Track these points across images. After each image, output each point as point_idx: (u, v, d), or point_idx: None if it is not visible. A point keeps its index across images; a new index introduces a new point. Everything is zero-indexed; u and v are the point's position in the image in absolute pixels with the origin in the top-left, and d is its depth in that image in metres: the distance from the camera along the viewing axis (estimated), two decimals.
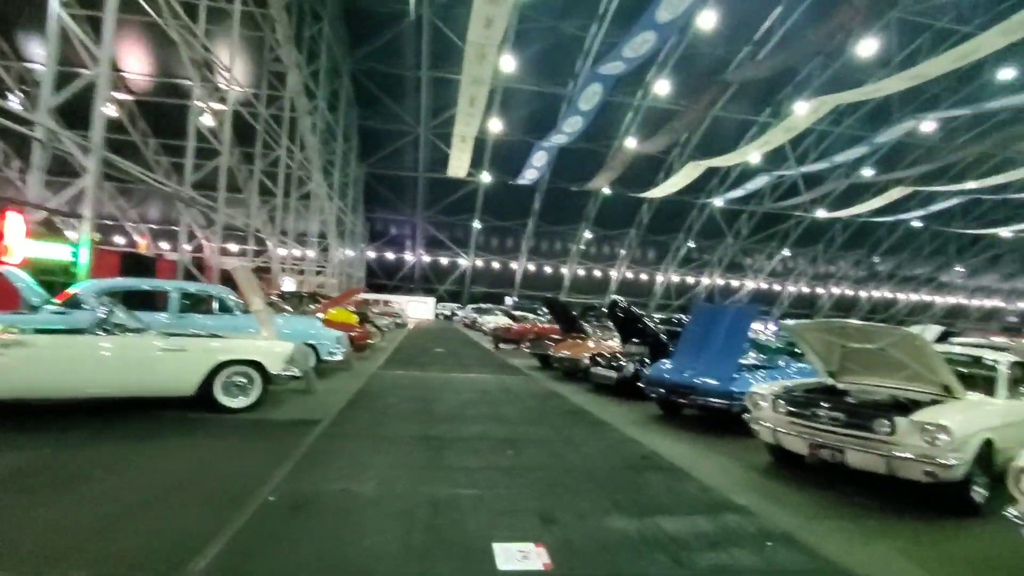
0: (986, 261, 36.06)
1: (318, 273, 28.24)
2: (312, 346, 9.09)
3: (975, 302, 37.04)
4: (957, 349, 5.79)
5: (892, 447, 4.07)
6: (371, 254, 40.70)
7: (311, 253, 27.24)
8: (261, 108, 19.38)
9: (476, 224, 39.39)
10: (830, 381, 5.46)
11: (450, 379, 10.36)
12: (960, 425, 3.97)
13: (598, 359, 9.75)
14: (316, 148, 23.69)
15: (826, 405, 4.52)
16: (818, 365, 5.43)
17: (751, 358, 8.33)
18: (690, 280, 41.79)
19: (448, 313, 39.41)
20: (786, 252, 39.05)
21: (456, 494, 4.00)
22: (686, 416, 7.58)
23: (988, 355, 5.35)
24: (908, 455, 3.98)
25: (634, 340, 10.07)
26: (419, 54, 26.59)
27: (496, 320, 23.25)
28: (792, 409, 4.78)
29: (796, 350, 7.50)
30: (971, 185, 26.06)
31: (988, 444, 4.22)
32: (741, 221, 37.60)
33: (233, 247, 26.46)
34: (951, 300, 37.72)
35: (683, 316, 16.71)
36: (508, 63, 21.13)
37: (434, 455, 5.05)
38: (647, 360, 8.93)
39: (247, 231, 18.56)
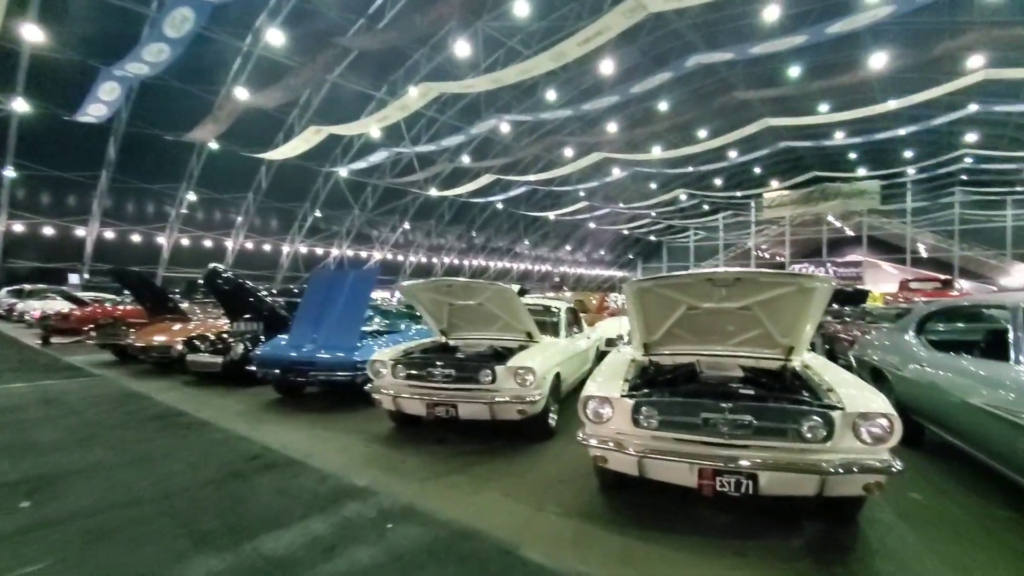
0: (541, 236, 47.62)
1: None
2: None
3: (536, 267, 48.71)
4: (531, 301, 6.96)
5: (495, 394, 4.42)
6: None
7: None
8: None
9: (7, 172, 27.63)
10: (443, 339, 5.70)
11: None
12: (540, 365, 4.60)
13: (197, 343, 7.91)
14: None
15: (440, 364, 4.60)
16: (432, 324, 5.59)
17: (375, 325, 8.24)
18: (319, 251, 40.62)
19: None
20: (407, 225, 42.35)
21: None
22: (310, 396, 6.88)
23: (552, 304, 6.60)
24: (507, 398, 4.38)
25: (245, 316, 8.63)
26: None
27: (46, 305, 16.85)
28: (411, 372, 4.71)
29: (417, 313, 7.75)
30: (531, 178, 33.93)
31: (557, 377, 5.09)
32: (367, 193, 38.55)
33: None
34: (522, 266, 48.49)
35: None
36: None
37: None
38: (262, 338, 7.74)
39: None
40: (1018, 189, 33.44)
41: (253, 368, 6.64)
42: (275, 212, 36.80)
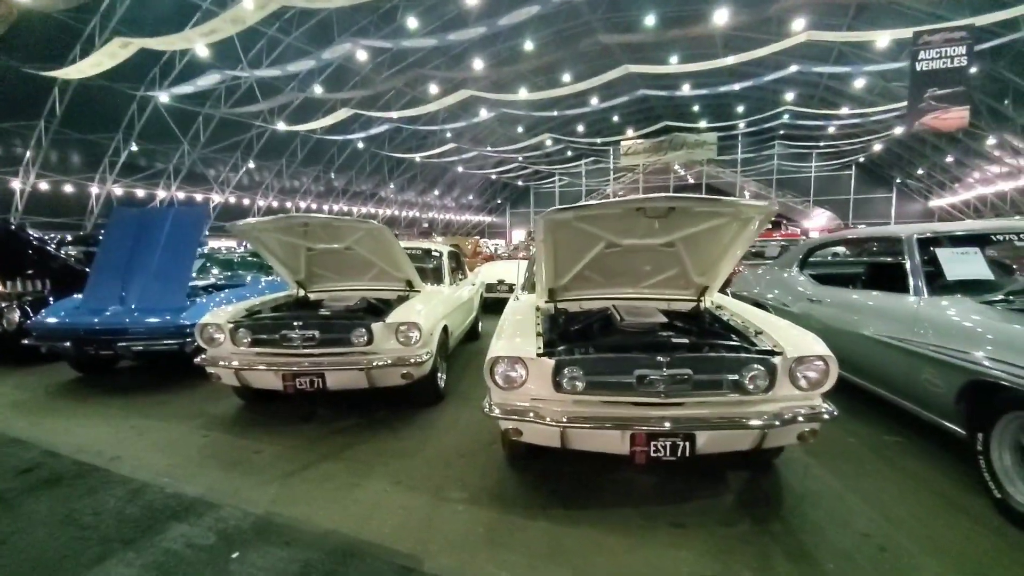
0: (407, 180, 45.39)
1: None
2: None
3: (404, 212, 46.53)
4: (409, 244, 6.08)
5: (372, 357, 3.61)
6: None
7: None
8: None
9: None
10: (300, 293, 4.66)
11: None
12: (426, 318, 3.86)
13: None
14: None
15: (298, 324, 3.63)
16: (285, 275, 4.51)
17: (211, 277, 6.75)
18: (141, 193, 34.24)
19: None
20: (252, 164, 37.41)
21: None
22: (124, 371, 5.39)
23: (433, 247, 5.80)
24: (387, 361, 3.59)
25: (27, 273, 6.55)
26: None
27: None
28: (258, 337, 3.68)
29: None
30: (394, 114, 31.49)
31: (445, 331, 4.40)
32: (198, 124, 32.94)
33: None
34: (388, 211, 46.01)
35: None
36: None
37: None
38: (51, 300, 5.88)
39: None
40: (821, 144, 39.06)
41: (32, 342, 4.95)
42: (78, 145, 29.81)
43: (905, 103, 16.05)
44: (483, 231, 50.56)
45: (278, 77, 27.92)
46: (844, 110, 29.97)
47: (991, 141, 26.62)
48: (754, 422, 2.37)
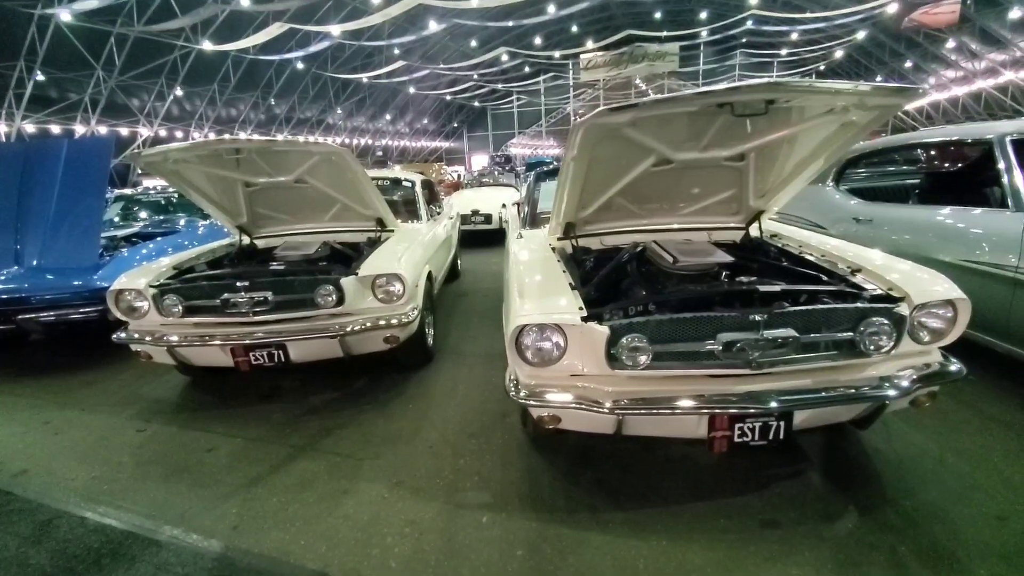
0: (355, 104, 42.16)
1: None
2: None
3: (354, 140, 43.58)
4: (375, 174, 5.13)
5: (345, 320, 2.85)
6: None
7: None
8: None
9: None
10: (244, 240, 3.77)
11: None
12: (408, 266, 3.09)
13: None
14: None
15: (244, 284, 2.80)
16: (222, 218, 3.59)
17: (134, 225, 5.67)
18: (56, 129, 30.48)
19: None
20: (179, 91, 33.73)
21: None
22: (33, 346, 4.46)
23: (402, 175, 4.89)
24: (365, 324, 2.84)
25: None
26: None
27: None
28: (191, 303, 2.84)
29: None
30: (334, 28, 28.35)
31: (429, 278, 3.65)
32: (110, 47, 28.97)
33: None
34: (337, 139, 43.01)
35: None
36: None
37: None
38: None
39: None
40: (782, 53, 37.99)
41: None
42: None
43: (871, 4, 15.20)
44: (440, 157, 48.21)
45: None
46: (808, 14, 28.78)
47: (950, 44, 26.18)
48: (873, 391, 1.80)
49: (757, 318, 1.75)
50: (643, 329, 1.80)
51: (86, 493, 2.32)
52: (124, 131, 34.60)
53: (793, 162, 2.30)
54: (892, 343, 1.81)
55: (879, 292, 1.95)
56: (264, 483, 2.33)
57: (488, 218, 8.49)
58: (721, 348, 1.76)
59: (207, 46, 30.07)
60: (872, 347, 1.81)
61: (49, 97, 31.72)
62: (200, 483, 2.36)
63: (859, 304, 1.85)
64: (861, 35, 30.63)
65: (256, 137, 2.93)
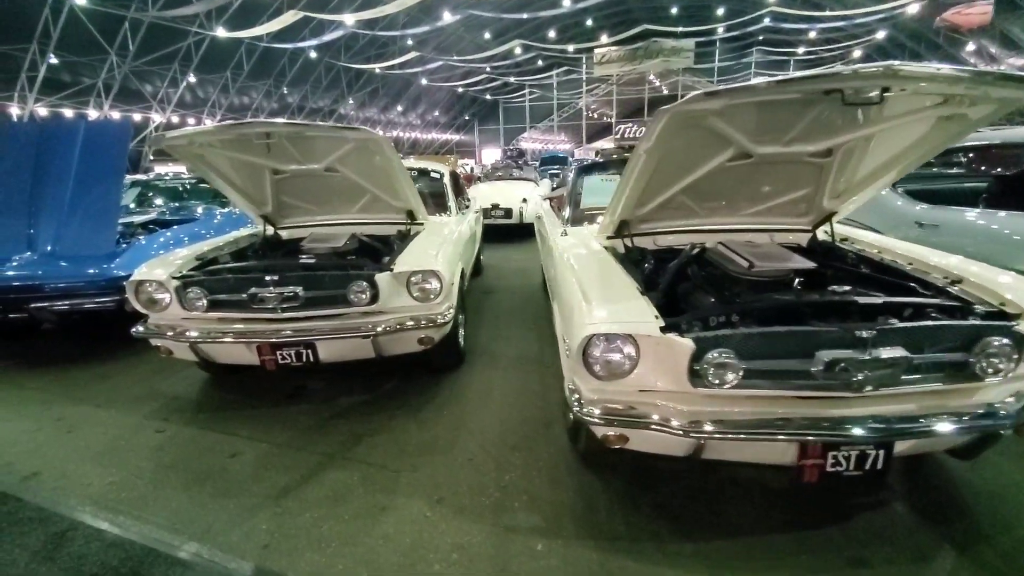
0: (368, 95, 41.99)
1: None
2: None
3: None
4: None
5: (379, 319, 2.67)
6: None
7: None
8: None
9: None
10: (269, 231, 3.60)
11: None
12: (444, 263, 2.90)
13: None
14: None
15: (273, 278, 2.61)
16: (246, 207, 3.40)
17: (152, 212, 5.52)
18: (69, 113, 30.44)
19: None
20: (192, 78, 33.63)
21: None
22: (43, 337, 4.31)
23: (431, 167, 4.70)
24: (400, 325, 2.66)
25: None
26: None
27: None
28: (216, 297, 2.67)
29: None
30: (348, 17, 28.10)
31: (462, 276, 3.46)
32: (125, 32, 28.89)
33: None
34: None
35: None
36: None
37: None
38: None
39: None
40: (800, 52, 37.40)
41: None
42: None
43: (892, 3, 14.82)
44: (451, 150, 47.96)
45: None
46: (828, 12, 28.24)
47: (970, 47, 25.63)
48: (1000, 420, 1.60)
49: (864, 335, 1.54)
50: (732, 343, 1.60)
51: (102, 501, 2.15)
52: (137, 117, 34.62)
53: (880, 160, 2.08)
54: (1013, 365, 1.61)
55: (991, 308, 1.74)
56: (294, 495, 2.16)
57: (508, 212, 8.29)
58: (823, 368, 1.56)
59: (221, 33, 29.93)
60: (990, 369, 1.60)
61: (62, 81, 31.69)
62: (225, 493, 2.19)
63: (975, 321, 1.64)
64: (881, 35, 30.03)
65: (291, 122, 2.75)
